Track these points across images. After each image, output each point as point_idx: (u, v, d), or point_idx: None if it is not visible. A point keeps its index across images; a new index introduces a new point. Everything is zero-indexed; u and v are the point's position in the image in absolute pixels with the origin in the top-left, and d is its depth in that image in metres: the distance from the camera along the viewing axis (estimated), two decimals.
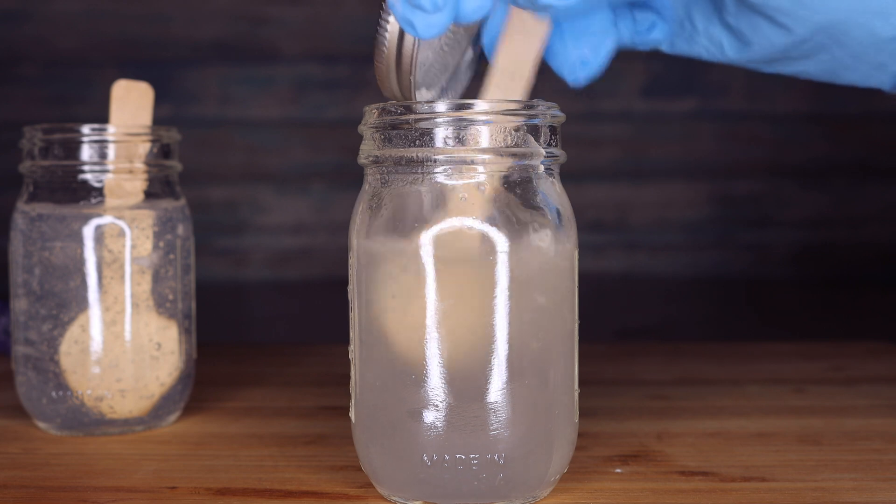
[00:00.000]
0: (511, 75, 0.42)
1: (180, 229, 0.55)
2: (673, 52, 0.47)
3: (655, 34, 0.46)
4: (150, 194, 0.54)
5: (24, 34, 1.45)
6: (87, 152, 0.52)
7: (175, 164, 0.55)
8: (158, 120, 0.55)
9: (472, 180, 0.39)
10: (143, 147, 0.53)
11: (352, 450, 0.43)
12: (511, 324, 0.39)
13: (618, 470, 0.46)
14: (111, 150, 0.53)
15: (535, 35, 0.42)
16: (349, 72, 1.47)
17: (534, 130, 0.40)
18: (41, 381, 0.52)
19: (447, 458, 0.39)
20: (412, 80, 0.42)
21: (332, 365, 0.68)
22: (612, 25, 0.44)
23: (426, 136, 0.39)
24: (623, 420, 0.54)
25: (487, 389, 0.39)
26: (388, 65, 0.41)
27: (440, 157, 0.39)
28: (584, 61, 0.44)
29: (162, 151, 0.54)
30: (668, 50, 0.47)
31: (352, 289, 0.42)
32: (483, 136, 0.39)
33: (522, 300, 0.39)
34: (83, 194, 0.52)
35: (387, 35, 0.41)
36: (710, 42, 0.46)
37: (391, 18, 0.41)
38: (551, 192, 0.41)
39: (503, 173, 0.40)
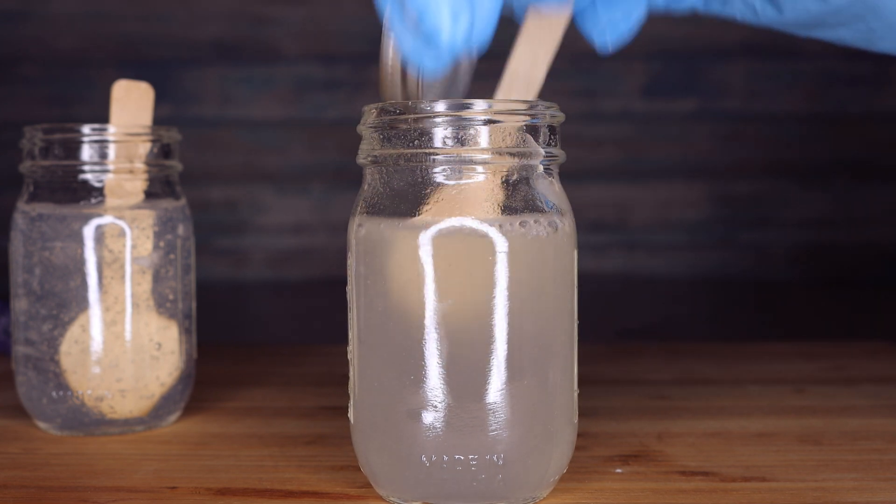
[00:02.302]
0: (524, 81, 0.42)
1: (180, 229, 0.55)
2: (707, 10, 0.47)
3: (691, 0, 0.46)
4: (150, 194, 0.53)
5: (24, 34, 1.45)
6: (87, 152, 0.52)
7: (175, 164, 0.55)
8: (158, 120, 0.55)
9: (472, 180, 0.39)
10: (144, 147, 0.53)
11: (352, 450, 0.43)
12: (510, 324, 0.39)
13: (618, 470, 0.46)
14: (111, 150, 0.53)
15: (551, 40, 0.42)
16: (349, 72, 1.47)
17: (533, 130, 0.40)
18: (41, 381, 0.52)
19: (446, 458, 0.39)
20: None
21: (332, 365, 0.68)
22: None
23: (425, 136, 0.39)
24: (623, 420, 0.54)
25: (486, 390, 0.39)
26: (394, 90, 0.42)
27: (439, 156, 0.39)
28: (614, 25, 0.44)
29: (162, 151, 0.54)
30: (702, 9, 0.47)
31: (350, 289, 0.42)
32: (482, 135, 0.39)
33: (521, 300, 0.39)
34: (83, 194, 0.52)
35: (389, 63, 0.41)
36: (745, 5, 0.46)
37: (392, 45, 0.41)
38: (551, 191, 0.41)
39: (502, 173, 0.40)
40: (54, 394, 0.52)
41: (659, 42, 1.44)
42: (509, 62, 0.42)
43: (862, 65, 1.45)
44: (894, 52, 0.46)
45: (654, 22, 0.51)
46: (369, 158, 0.41)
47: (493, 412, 0.39)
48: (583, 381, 0.44)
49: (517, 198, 0.40)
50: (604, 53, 0.45)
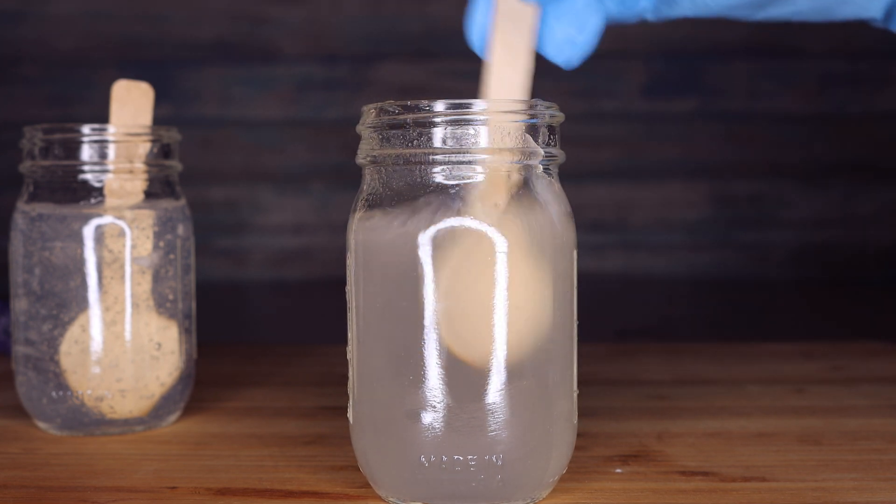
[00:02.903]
0: (510, 66, 0.41)
1: (180, 229, 0.55)
2: (658, 17, 0.45)
3: (643, 3, 0.45)
4: (150, 194, 0.53)
5: (24, 34, 1.46)
6: (87, 152, 0.52)
7: (175, 164, 0.55)
8: (158, 120, 0.55)
9: (470, 180, 0.39)
10: (144, 147, 0.53)
11: (351, 450, 0.43)
12: (510, 324, 0.39)
13: (618, 470, 0.46)
14: (111, 150, 0.53)
15: (526, 20, 0.41)
16: (349, 72, 1.47)
17: (532, 130, 0.40)
18: (41, 381, 0.52)
19: (445, 459, 0.39)
20: None
21: (332, 365, 0.68)
22: (598, 1, 0.43)
23: (424, 136, 0.39)
24: (623, 420, 0.54)
25: (486, 390, 0.39)
26: None
27: (438, 156, 0.39)
28: (570, 40, 0.43)
29: (162, 151, 0.54)
30: (653, 18, 0.46)
31: (350, 289, 0.42)
32: (481, 135, 0.39)
33: (521, 300, 0.39)
34: (83, 194, 0.52)
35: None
36: None
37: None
38: (550, 191, 0.41)
39: (501, 173, 0.39)
40: (54, 394, 0.52)
41: (659, 42, 1.44)
42: (488, 65, 0.42)
43: (862, 65, 1.45)
44: (854, 16, 0.43)
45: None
46: (368, 158, 0.41)
47: (493, 413, 0.39)
48: (583, 381, 0.44)
49: (516, 197, 0.40)
50: (566, 68, 0.44)
